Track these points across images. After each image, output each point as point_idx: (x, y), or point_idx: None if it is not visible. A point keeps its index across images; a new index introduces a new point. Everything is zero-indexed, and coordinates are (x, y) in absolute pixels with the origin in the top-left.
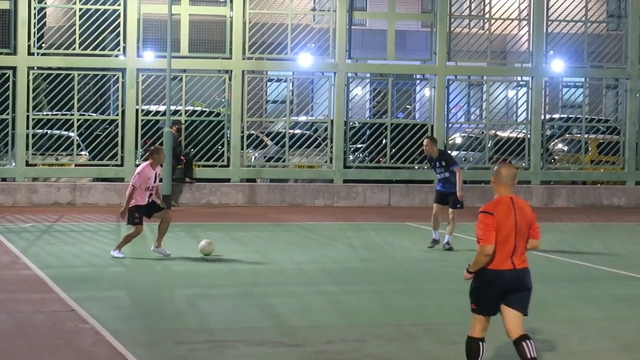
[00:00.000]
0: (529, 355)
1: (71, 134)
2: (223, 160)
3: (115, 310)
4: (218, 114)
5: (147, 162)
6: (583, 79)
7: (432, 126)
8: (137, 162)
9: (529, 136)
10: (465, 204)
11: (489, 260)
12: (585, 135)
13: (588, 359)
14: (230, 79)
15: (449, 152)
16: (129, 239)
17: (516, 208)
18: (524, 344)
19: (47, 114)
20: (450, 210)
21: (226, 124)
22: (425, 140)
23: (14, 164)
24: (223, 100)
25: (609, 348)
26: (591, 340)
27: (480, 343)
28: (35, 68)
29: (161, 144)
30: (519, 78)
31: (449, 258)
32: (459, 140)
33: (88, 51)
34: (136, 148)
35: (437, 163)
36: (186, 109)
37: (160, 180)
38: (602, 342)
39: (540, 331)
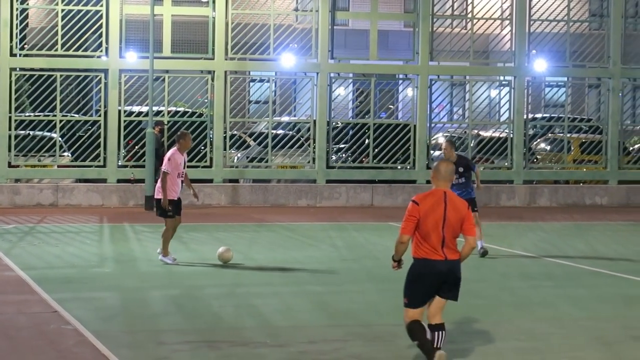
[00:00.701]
0: (435, 344)
1: (54, 135)
2: (206, 161)
3: (97, 311)
4: (201, 115)
5: (175, 148)
6: (565, 79)
7: (414, 126)
8: (119, 164)
9: (511, 136)
10: None
11: (422, 251)
12: (568, 135)
13: (570, 357)
14: (212, 80)
15: (431, 151)
16: (169, 237)
17: (448, 202)
18: (436, 333)
19: (30, 115)
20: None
21: (209, 124)
22: (444, 143)
23: None
24: (206, 100)
25: (591, 347)
26: (574, 339)
27: (419, 323)
28: (18, 69)
29: (144, 145)
30: (502, 78)
31: None
32: (441, 140)
33: (70, 52)
34: (119, 149)
35: (455, 168)
36: (169, 109)
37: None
38: (585, 341)
39: (523, 330)
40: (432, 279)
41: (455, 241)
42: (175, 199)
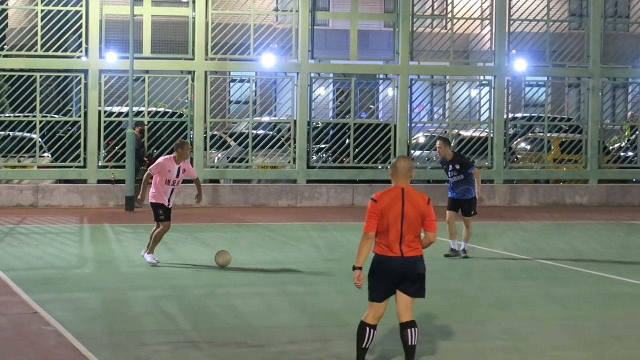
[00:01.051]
0: (409, 342)
1: (33, 135)
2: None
3: (78, 312)
4: (181, 115)
5: (171, 154)
6: (545, 78)
7: (395, 126)
8: (99, 164)
9: (491, 135)
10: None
11: (379, 247)
12: (548, 134)
13: (551, 357)
14: (193, 80)
15: (412, 151)
16: (159, 238)
17: (406, 198)
18: (408, 330)
19: (9, 116)
20: (465, 218)
21: (189, 124)
22: (438, 142)
23: None
24: (186, 101)
25: (572, 346)
26: (554, 338)
27: (369, 329)
28: None
29: (124, 145)
30: (482, 77)
31: None
32: (422, 140)
33: (50, 52)
34: (99, 149)
35: (450, 166)
36: (149, 110)
37: (182, 172)
38: (566, 340)
39: (504, 330)
40: (388, 276)
41: (416, 238)
42: (166, 204)
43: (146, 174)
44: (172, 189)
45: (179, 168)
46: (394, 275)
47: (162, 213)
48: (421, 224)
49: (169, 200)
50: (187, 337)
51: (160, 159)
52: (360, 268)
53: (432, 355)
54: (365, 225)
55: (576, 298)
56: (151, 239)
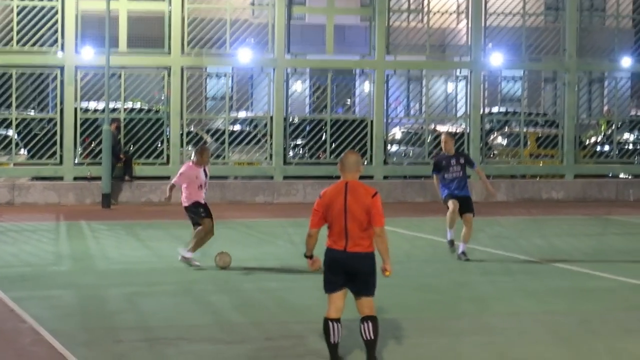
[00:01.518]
0: (364, 337)
1: (9, 132)
2: (163, 158)
3: (54, 310)
4: (157, 111)
5: (189, 162)
6: (522, 72)
7: (371, 121)
8: (76, 161)
9: (468, 130)
10: (406, 199)
11: (329, 241)
12: (524, 129)
13: (527, 352)
14: (169, 76)
15: (389, 147)
16: (204, 239)
17: (349, 192)
18: (364, 324)
19: None
20: (467, 215)
21: (165, 121)
22: (444, 136)
23: None
24: (162, 98)
25: (548, 341)
26: (531, 333)
27: (331, 323)
28: None
29: (100, 142)
30: (458, 72)
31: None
32: (398, 135)
33: (26, 48)
34: (75, 146)
35: (454, 160)
36: (125, 106)
37: (208, 171)
38: (541, 335)
39: (480, 325)
40: (335, 269)
41: (363, 233)
42: (202, 202)
43: (170, 185)
44: (205, 191)
45: (203, 170)
46: (340, 269)
47: (202, 210)
48: (367, 218)
49: (204, 199)
50: (163, 333)
51: (182, 170)
52: (311, 256)
53: (408, 350)
54: (310, 220)
55: (552, 293)
56: (195, 239)
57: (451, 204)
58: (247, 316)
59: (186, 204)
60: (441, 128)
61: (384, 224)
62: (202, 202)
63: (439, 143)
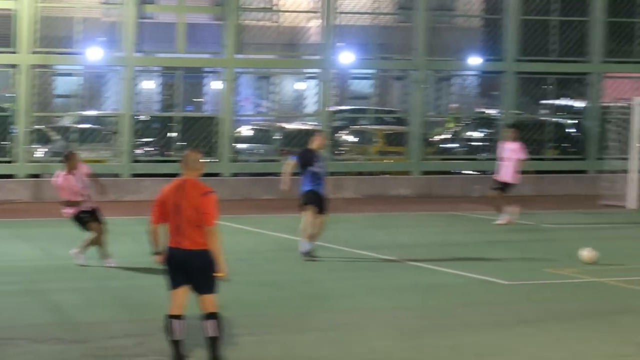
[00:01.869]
0: (206, 333)
1: None
2: (9, 156)
3: None
4: (4, 110)
5: (61, 172)
6: (372, 71)
7: (220, 119)
8: None
9: (317, 128)
10: (251, 196)
11: (168, 237)
12: (373, 127)
13: (372, 348)
14: (17, 74)
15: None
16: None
17: (183, 190)
18: (205, 322)
19: None
20: (323, 215)
21: (13, 119)
22: (317, 135)
23: None
24: (7, 95)
25: (392, 337)
26: (373, 330)
27: (173, 320)
28: None
29: None
30: (309, 70)
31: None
32: (247, 133)
33: None
34: None
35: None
36: None
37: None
38: (384, 330)
39: (324, 321)
40: (173, 265)
41: (197, 231)
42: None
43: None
44: (87, 195)
45: (80, 176)
46: (178, 266)
47: (85, 217)
48: (198, 216)
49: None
50: (5, 334)
51: (59, 183)
52: (159, 252)
53: (251, 347)
54: (151, 216)
55: (397, 289)
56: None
57: (309, 210)
58: (90, 315)
59: (70, 215)
60: (288, 126)
61: (214, 223)
62: (84, 209)
63: (291, 140)
